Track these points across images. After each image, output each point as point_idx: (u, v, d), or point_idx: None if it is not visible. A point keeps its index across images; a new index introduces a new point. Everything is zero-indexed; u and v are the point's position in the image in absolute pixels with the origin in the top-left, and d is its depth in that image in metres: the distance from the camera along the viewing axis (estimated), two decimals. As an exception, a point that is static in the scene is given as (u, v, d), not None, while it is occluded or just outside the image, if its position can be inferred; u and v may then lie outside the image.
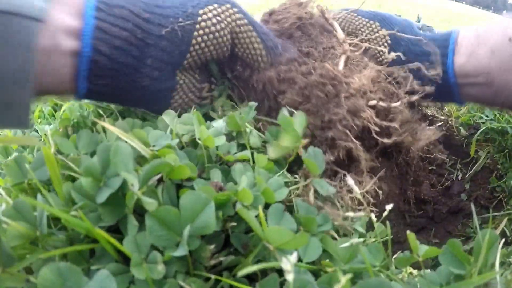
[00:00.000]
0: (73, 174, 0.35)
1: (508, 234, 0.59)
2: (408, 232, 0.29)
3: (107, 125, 0.33)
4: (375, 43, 0.57)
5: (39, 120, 0.79)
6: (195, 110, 0.48)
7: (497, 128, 0.73)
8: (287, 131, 0.37)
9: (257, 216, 0.28)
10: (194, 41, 0.43)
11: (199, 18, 0.43)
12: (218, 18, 0.44)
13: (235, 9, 0.45)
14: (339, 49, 0.52)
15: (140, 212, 0.30)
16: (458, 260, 0.31)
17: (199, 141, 0.38)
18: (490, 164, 0.73)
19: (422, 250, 0.30)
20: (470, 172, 0.72)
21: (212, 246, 0.27)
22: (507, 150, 0.71)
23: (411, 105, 0.53)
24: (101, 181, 0.29)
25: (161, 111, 0.44)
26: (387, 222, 0.30)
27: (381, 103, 0.45)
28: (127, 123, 0.44)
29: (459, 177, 0.73)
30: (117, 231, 0.30)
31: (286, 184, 0.37)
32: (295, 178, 0.39)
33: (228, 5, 0.45)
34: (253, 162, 0.38)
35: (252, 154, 0.39)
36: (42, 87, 0.37)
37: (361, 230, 0.35)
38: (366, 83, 0.46)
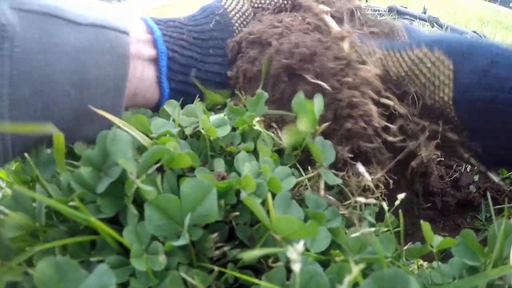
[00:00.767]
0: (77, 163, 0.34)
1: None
2: (422, 221, 0.28)
3: (103, 113, 0.32)
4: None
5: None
6: (198, 100, 0.47)
7: (507, 119, 0.71)
8: (305, 114, 0.35)
9: (263, 205, 0.26)
10: (233, 21, 0.51)
11: (224, 3, 0.52)
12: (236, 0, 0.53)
13: None
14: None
15: (141, 203, 0.29)
16: (472, 251, 0.30)
17: (202, 131, 0.37)
18: (499, 156, 0.71)
19: (436, 241, 0.29)
20: (479, 164, 0.70)
21: (215, 235, 0.26)
22: (517, 141, 0.69)
23: None
24: (102, 170, 0.29)
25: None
26: (400, 211, 0.29)
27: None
28: (132, 113, 0.43)
29: (468, 169, 0.71)
30: (119, 222, 0.30)
31: (293, 174, 0.36)
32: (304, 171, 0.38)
33: None
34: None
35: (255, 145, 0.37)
36: (130, 94, 0.41)
37: (371, 219, 0.34)
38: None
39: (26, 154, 0.31)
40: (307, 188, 0.36)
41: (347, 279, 0.18)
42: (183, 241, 0.23)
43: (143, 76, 0.43)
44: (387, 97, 0.43)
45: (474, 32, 1.55)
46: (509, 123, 0.40)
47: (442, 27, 1.63)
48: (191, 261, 0.27)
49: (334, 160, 0.37)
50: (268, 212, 0.26)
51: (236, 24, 0.52)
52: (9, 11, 0.31)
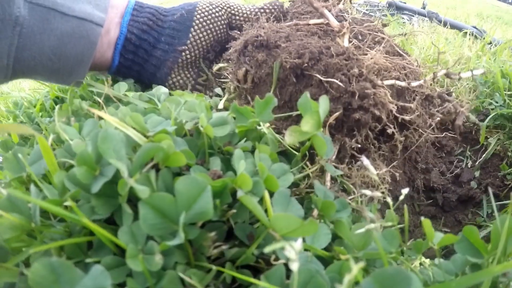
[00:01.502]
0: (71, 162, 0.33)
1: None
2: (422, 218, 0.27)
3: (96, 111, 0.31)
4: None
5: (40, 114, 0.77)
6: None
7: (507, 114, 0.71)
8: (310, 114, 0.34)
9: (261, 203, 0.26)
10: (195, 18, 0.62)
11: (201, 4, 0.64)
12: (214, 5, 0.64)
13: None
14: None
15: (136, 202, 0.28)
16: (475, 248, 0.29)
17: (201, 128, 0.36)
18: (500, 151, 0.70)
19: (438, 237, 0.28)
20: (480, 160, 0.70)
21: (213, 233, 0.25)
22: (518, 136, 0.69)
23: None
24: (96, 170, 0.28)
25: (163, 82, 0.63)
26: (405, 205, 0.28)
27: (398, 82, 0.43)
28: (129, 110, 0.42)
29: (469, 165, 0.71)
30: (115, 222, 0.29)
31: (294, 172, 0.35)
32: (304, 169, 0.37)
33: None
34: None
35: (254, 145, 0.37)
36: (92, 63, 0.58)
37: (371, 215, 0.34)
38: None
39: (19, 155, 0.31)
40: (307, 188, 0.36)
41: (347, 279, 0.17)
42: (178, 240, 0.22)
43: (104, 51, 0.60)
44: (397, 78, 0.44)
45: (474, 27, 1.54)
46: None
47: (441, 22, 1.62)
48: (189, 260, 0.27)
49: (340, 155, 0.37)
50: (266, 210, 0.25)
51: (197, 21, 0.62)
52: (22, 4, 0.49)
